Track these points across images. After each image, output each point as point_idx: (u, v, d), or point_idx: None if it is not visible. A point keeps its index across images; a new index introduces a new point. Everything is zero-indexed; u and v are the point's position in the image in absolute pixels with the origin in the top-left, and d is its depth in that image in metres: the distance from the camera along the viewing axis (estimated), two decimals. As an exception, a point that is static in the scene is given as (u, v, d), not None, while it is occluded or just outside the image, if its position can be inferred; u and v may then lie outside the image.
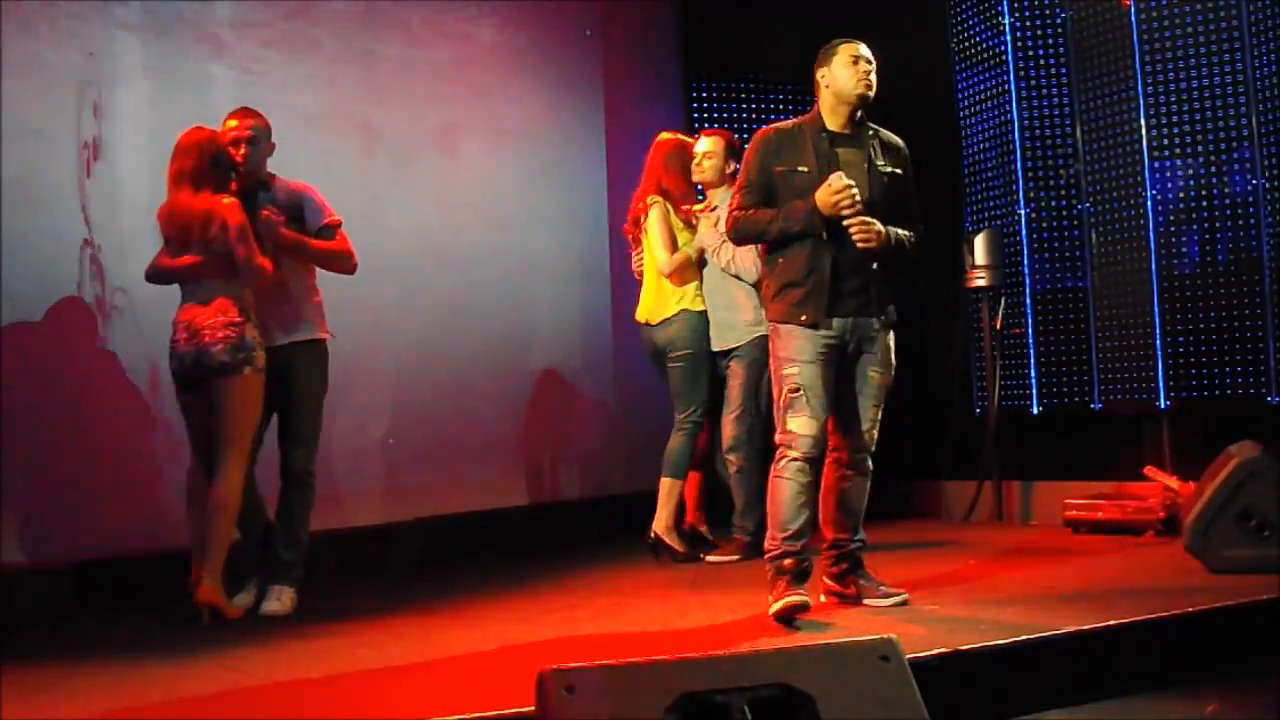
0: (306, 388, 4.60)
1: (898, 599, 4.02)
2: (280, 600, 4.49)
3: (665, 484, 5.32)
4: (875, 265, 3.93)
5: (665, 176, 5.44)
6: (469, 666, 3.48)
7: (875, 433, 4.03)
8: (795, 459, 3.83)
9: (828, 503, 4.03)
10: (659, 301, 5.42)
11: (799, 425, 3.82)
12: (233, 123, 4.57)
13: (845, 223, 3.84)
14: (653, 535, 5.30)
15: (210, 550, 4.32)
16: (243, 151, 4.54)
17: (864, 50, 3.99)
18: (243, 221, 4.38)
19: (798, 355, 3.86)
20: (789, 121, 4.12)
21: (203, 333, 4.36)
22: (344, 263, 4.69)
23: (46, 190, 4.84)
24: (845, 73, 3.95)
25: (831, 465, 4.02)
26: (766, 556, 3.87)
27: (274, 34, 5.52)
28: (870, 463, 4.06)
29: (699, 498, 5.59)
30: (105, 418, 4.95)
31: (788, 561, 3.80)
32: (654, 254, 5.37)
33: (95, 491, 4.84)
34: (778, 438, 3.89)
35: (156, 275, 4.53)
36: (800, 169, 3.94)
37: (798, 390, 3.83)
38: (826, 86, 4.00)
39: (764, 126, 4.13)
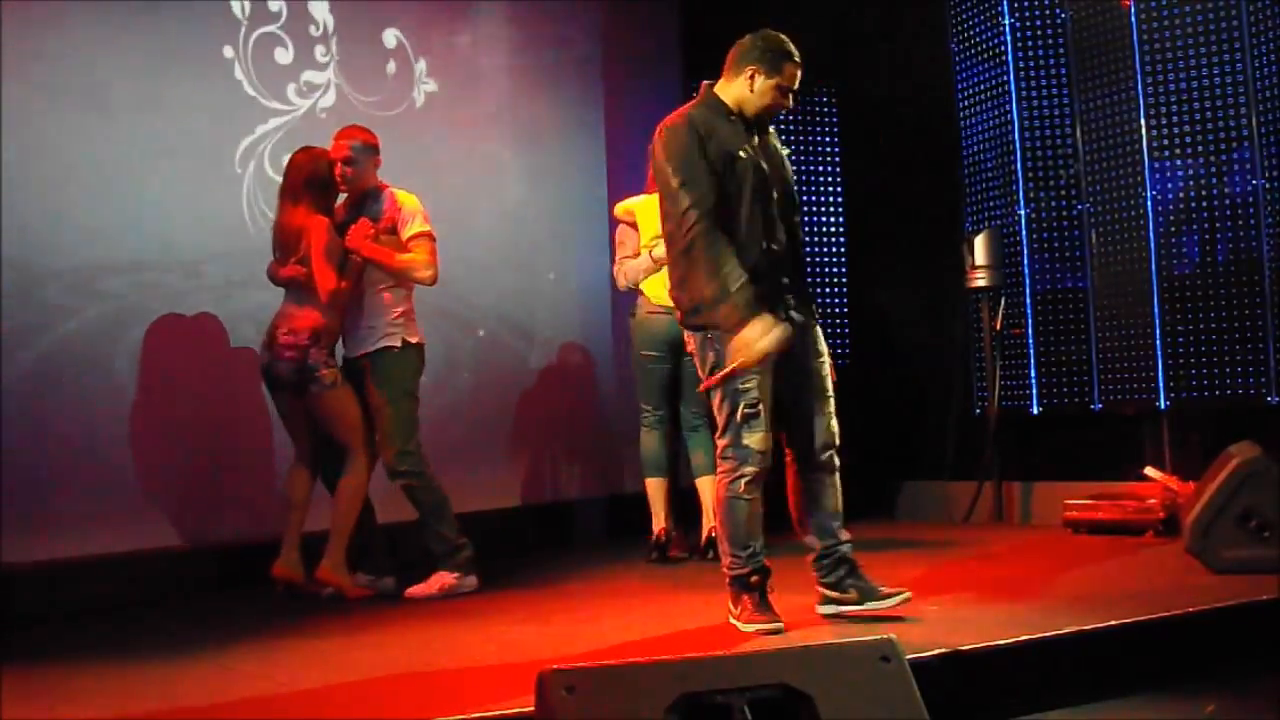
0: (378, 394, 4.76)
1: (901, 598, 3.82)
2: (427, 583, 4.76)
3: (706, 483, 5.19)
4: (796, 260, 3.87)
5: None
6: (469, 666, 3.48)
7: (835, 425, 3.88)
8: (751, 477, 3.68)
9: (808, 511, 3.83)
10: None
11: (757, 441, 3.67)
12: (341, 141, 4.81)
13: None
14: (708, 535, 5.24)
15: (330, 533, 4.73)
16: (342, 170, 4.78)
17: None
18: (327, 242, 4.62)
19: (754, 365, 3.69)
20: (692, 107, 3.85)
21: (276, 346, 4.73)
22: (419, 276, 4.79)
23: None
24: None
25: (797, 473, 3.84)
26: (729, 576, 3.74)
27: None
28: (837, 458, 3.88)
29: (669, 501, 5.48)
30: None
31: (754, 579, 3.71)
32: None
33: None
34: (729, 453, 3.70)
35: (270, 279, 4.88)
36: (740, 154, 3.72)
37: (756, 405, 3.66)
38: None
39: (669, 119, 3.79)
